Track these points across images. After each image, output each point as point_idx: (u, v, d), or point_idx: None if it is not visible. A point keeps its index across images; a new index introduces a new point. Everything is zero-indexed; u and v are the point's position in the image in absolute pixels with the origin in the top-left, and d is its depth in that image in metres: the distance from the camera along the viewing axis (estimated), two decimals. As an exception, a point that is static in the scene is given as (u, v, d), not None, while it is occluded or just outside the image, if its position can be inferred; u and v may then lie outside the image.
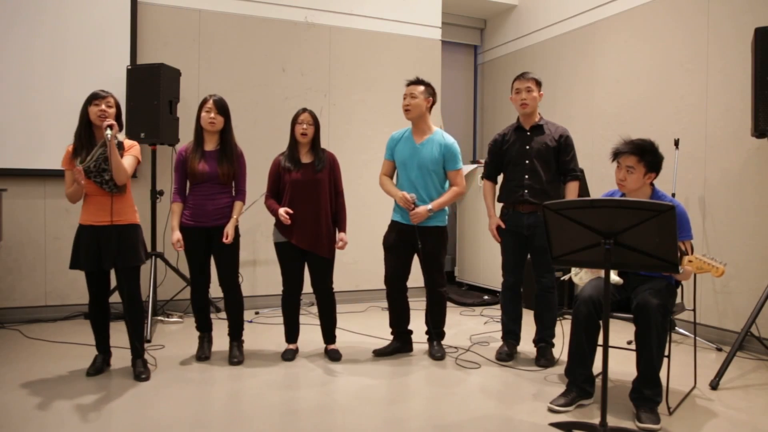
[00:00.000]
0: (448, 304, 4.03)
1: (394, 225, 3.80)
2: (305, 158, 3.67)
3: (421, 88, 3.71)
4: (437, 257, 3.74)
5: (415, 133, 3.77)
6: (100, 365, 3.36)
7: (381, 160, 3.82)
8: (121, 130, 3.23)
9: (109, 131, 3.08)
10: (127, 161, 3.22)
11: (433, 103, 3.79)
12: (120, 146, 3.21)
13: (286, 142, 3.73)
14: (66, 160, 3.24)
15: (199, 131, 3.59)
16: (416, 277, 3.89)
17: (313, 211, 3.59)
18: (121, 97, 3.92)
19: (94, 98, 3.21)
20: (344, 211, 3.77)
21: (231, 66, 5.16)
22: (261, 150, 4.44)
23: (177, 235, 3.51)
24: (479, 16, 6.93)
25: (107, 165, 3.16)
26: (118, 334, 3.53)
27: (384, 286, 3.82)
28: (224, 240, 3.49)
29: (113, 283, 3.40)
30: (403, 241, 3.73)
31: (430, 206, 3.65)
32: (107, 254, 3.20)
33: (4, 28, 4.48)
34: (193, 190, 3.58)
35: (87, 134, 3.21)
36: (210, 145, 3.59)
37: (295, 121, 3.64)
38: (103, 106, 3.19)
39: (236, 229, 3.59)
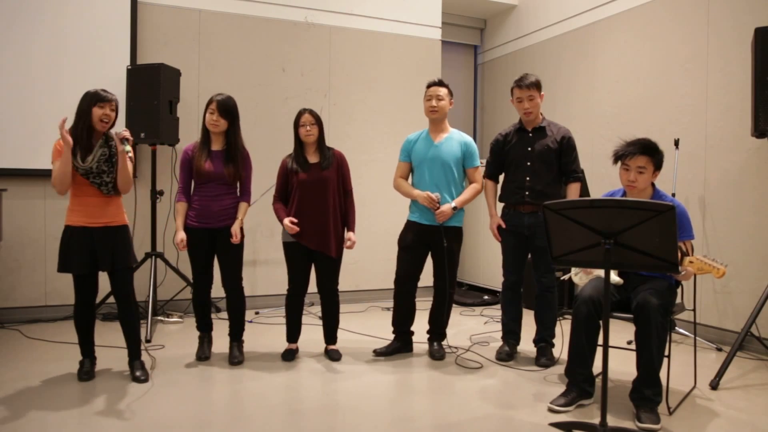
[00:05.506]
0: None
1: (411, 225, 3.77)
2: (312, 158, 3.66)
3: (446, 90, 3.73)
4: (455, 258, 3.75)
5: (433, 133, 3.77)
6: (89, 368, 3.29)
7: (381, 160, 3.82)
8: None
9: (128, 146, 3.07)
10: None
11: (450, 104, 3.80)
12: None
13: (285, 141, 3.73)
14: (56, 153, 3.13)
15: (206, 130, 3.58)
16: (422, 278, 3.87)
17: (321, 210, 3.58)
18: (121, 97, 3.91)
19: (99, 100, 3.13)
20: (353, 210, 3.75)
21: (231, 66, 5.16)
22: (261, 150, 4.43)
23: (181, 235, 3.49)
24: (479, 16, 6.93)
25: (107, 167, 3.15)
26: (116, 334, 3.53)
27: (385, 285, 3.82)
28: (232, 240, 3.48)
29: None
30: (421, 242, 3.73)
31: (453, 204, 3.64)
32: (104, 256, 3.16)
33: (3, 28, 4.47)
34: (198, 190, 3.56)
35: (87, 135, 3.16)
36: (216, 144, 3.57)
37: (297, 124, 3.63)
38: (107, 110, 3.14)
39: (241, 230, 3.59)
